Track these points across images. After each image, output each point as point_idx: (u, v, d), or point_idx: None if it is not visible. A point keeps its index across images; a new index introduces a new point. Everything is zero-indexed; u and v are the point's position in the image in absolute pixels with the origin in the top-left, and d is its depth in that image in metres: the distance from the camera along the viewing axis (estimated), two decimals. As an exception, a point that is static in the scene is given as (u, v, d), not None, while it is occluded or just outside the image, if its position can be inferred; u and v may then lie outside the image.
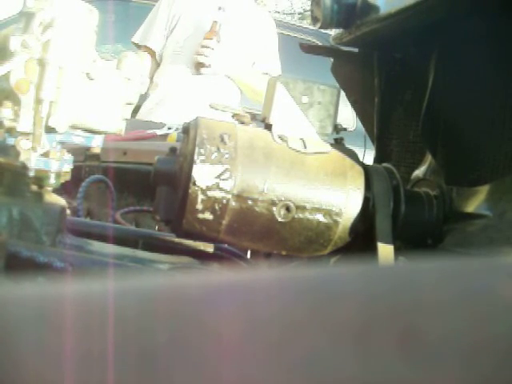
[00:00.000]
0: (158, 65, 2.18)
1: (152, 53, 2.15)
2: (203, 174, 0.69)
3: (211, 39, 2.06)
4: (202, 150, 0.70)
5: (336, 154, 0.76)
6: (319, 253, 0.76)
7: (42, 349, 0.19)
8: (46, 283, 0.23)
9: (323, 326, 0.19)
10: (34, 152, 0.71)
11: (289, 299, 0.20)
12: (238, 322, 0.19)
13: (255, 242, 0.75)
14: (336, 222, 0.73)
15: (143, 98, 2.15)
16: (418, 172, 0.87)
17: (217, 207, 0.70)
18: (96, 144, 0.78)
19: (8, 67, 0.67)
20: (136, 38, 2.20)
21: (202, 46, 2.06)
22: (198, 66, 2.08)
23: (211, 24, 2.08)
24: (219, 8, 2.08)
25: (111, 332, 0.19)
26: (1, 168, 0.72)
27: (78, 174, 1.19)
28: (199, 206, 0.70)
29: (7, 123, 0.69)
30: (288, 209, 0.72)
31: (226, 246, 0.88)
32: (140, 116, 2.11)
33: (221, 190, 0.69)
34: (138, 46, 2.19)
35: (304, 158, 0.74)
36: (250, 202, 0.71)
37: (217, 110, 0.98)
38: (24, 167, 0.70)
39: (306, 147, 0.74)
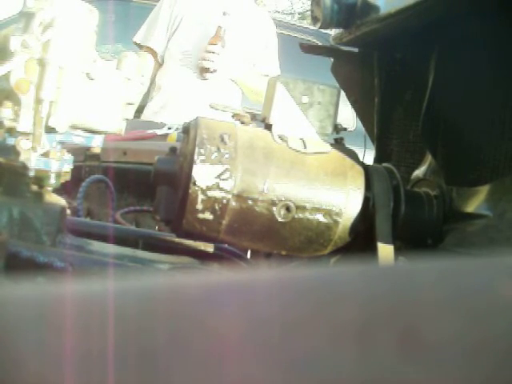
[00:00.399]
0: (159, 65, 2.18)
1: (154, 53, 2.15)
2: (203, 174, 0.69)
3: (216, 44, 2.06)
4: (202, 150, 0.70)
5: (336, 154, 0.76)
6: (319, 253, 0.76)
7: (42, 349, 0.19)
8: (45, 283, 0.23)
9: (323, 325, 0.19)
10: (34, 152, 0.71)
11: (289, 299, 0.20)
12: (238, 321, 0.19)
13: (255, 242, 0.75)
14: (336, 222, 0.73)
15: (145, 98, 2.15)
16: (418, 172, 0.87)
17: (217, 207, 0.70)
18: (96, 144, 0.78)
19: (8, 67, 0.67)
20: (138, 38, 2.19)
21: (207, 51, 2.06)
22: (203, 71, 2.08)
23: (216, 29, 2.08)
24: (224, 13, 2.08)
25: (111, 332, 0.19)
26: (1, 168, 0.72)
27: (78, 173, 1.19)
28: (199, 206, 0.70)
29: (7, 123, 0.69)
30: (288, 209, 0.72)
31: (226, 245, 0.88)
32: (144, 118, 2.11)
33: (221, 189, 0.69)
34: (140, 46, 2.19)
35: (304, 158, 0.74)
36: (250, 202, 0.71)
37: (217, 110, 0.98)
38: (24, 167, 0.70)
39: (305, 147, 0.74)
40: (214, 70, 2.08)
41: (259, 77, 2.16)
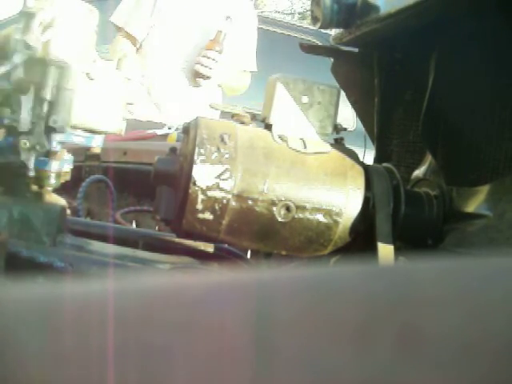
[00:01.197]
0: (137, 51, 1.98)
1: (133, 39, 1.97)
2: (203, 174, 0.69)
3: (214, 50, 1.88)
4: (202, 150, 0.70)
5: (336, 154, 0.76)
6: (319, 253, 0.76)
7: (42, 349, 0.19)
8: (45, 283, 0.23)
9: (323, 326, 0.19)
10: (34, 152, 0.71)
11: (289, 299, 0.20)
12: (238, 321, 0.19)
13: (255, 242, 0.75)
14: (336, 222, 0.73)
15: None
16: (418, 172, 0.87)
17: (217, 207, 0.70)
18: (96, 144, 0.78)
19: (8, 67, 0.67)
20: (117, 20, 1.98)
21: (204, 56, 1.88)
22: (197, 76, 1.91)
23: (215, 33, 1.90)
24: (227, 18, 1.91)
25: (111, 332, 0.19)
26: (1, 168, 0.72)
27: (78, 173, 1.19)
28: (199, 206, 0.70)
29: (7, 123, 0.69)
30: (288, 209, 0.72)
31: (226, 246, 0.88)
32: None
33: (221, 189, 0.69)
34: (118, 28, 1.99)
35: (304, 157, 0.74)
36: (250, 202, 0.71)
37: (217, 109, 0.98)
38: (24, 167, 0.70)
39: (306, 147, 0.74)
40: (208, 77, 1.90)
41: (237, 73, 2.05)
